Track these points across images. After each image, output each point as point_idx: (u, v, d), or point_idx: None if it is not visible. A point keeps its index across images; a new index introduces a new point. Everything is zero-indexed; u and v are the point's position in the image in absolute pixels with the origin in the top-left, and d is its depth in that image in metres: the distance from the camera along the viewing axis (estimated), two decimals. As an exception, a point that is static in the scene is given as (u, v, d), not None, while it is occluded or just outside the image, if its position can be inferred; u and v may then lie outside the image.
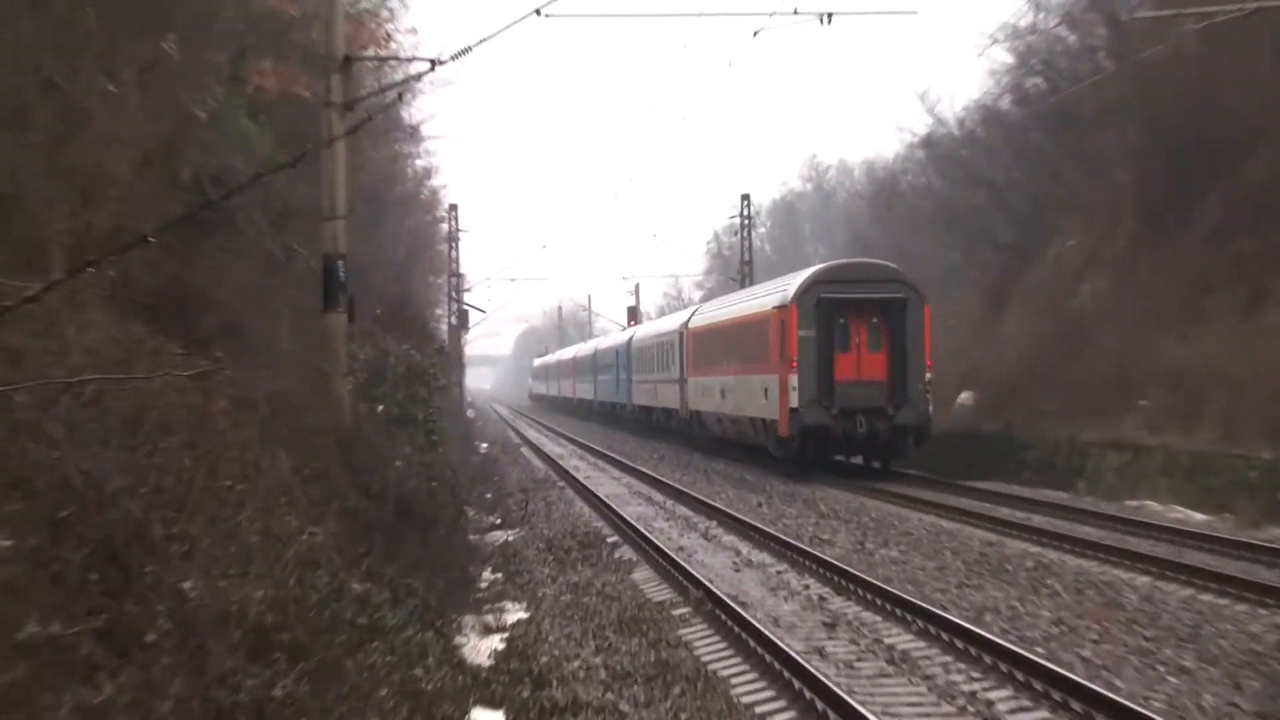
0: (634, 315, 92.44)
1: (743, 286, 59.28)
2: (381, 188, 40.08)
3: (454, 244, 75.65)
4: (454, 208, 75.02)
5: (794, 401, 36.22)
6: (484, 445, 51.97)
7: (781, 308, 37.61)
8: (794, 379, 36.36)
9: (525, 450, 55.19)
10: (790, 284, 38.97)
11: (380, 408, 21.25)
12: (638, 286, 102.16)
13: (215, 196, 15.76)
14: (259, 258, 20.32)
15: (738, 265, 71.62)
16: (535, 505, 31.30)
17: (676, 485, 34.89)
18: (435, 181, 71.44)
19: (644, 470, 40.16)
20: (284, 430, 14.63)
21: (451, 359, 58.61)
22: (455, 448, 31.37)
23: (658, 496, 33.68)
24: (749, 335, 40.99)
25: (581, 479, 37.97)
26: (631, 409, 65.28)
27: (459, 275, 76.76)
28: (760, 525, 25.63)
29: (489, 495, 32.40)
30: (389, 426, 20.60)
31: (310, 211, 21.03)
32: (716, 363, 45.72)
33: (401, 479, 17.81)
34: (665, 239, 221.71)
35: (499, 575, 21.17)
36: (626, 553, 24.00)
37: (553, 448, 56.43)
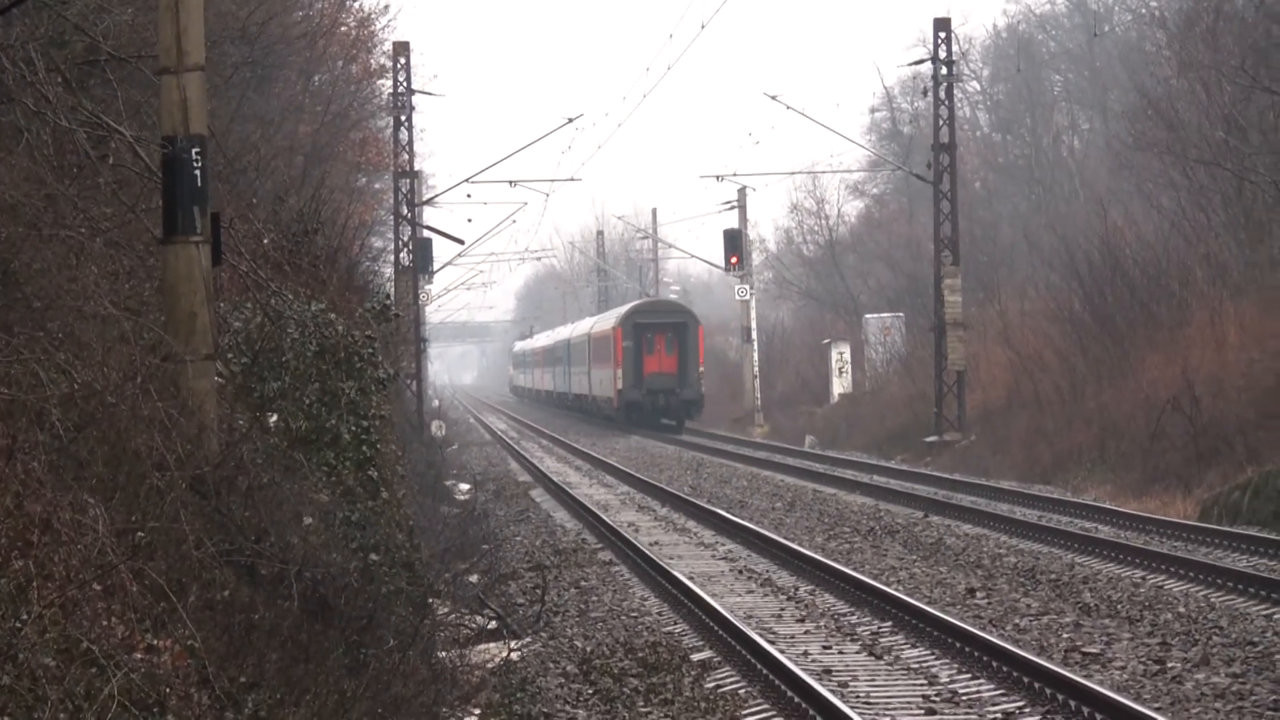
0: (735, 246, 64.17)
1: (936, 183, 45.35)
2: (271, 13, 28.68)
3: (406, 116, 49.68)
4: (402, 50, 49.57)
5: (619, 385, 62.90)
6: (463, 486, 36.26)
7: (615, 328, 63.56)
8: (619, 372, 62.85)
9: (539, 494, 37.77)
10: (620, 313, 66.40)
11: (274, 418, 14.67)
12: (743, 194, 68.42)
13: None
14: (43, 143, 14.26)
15: (928, 150, 46.70)
16: (559, 593, 21.27)
17: (825, 560, 22.66)
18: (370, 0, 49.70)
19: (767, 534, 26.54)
20: (96, 461, 10.67)
21: (404, 330, 38.41)
22: (413, 491, 20.44)
23: (784, 578, 22.27)
24: (606, 342, 65.19)
25: (643, 545, 25.42)
26: (572, 398, 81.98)
27: (414, 175, 51.07)
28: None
29: (474, 577, 21.06)
30: (290, 453, 14.18)
31: (137, 58, 15.32)
32: (599, 360, 67.90)
33: (315, 549, 12.36)
34: (792, 103, 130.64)
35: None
36: (726, 679, 15.14)
37: (589, 489, 38.13)
